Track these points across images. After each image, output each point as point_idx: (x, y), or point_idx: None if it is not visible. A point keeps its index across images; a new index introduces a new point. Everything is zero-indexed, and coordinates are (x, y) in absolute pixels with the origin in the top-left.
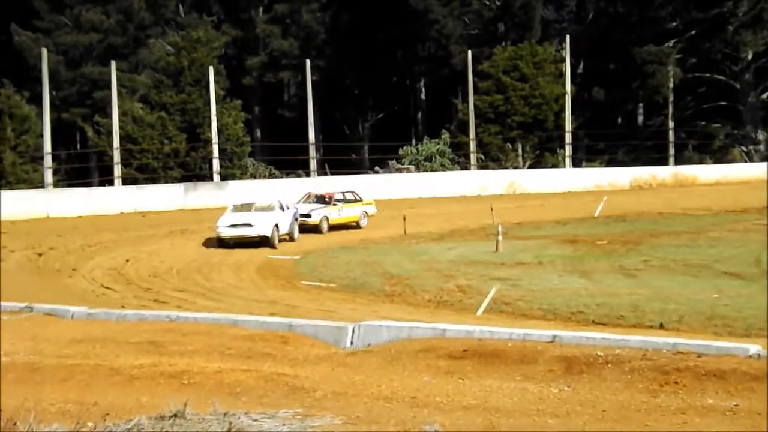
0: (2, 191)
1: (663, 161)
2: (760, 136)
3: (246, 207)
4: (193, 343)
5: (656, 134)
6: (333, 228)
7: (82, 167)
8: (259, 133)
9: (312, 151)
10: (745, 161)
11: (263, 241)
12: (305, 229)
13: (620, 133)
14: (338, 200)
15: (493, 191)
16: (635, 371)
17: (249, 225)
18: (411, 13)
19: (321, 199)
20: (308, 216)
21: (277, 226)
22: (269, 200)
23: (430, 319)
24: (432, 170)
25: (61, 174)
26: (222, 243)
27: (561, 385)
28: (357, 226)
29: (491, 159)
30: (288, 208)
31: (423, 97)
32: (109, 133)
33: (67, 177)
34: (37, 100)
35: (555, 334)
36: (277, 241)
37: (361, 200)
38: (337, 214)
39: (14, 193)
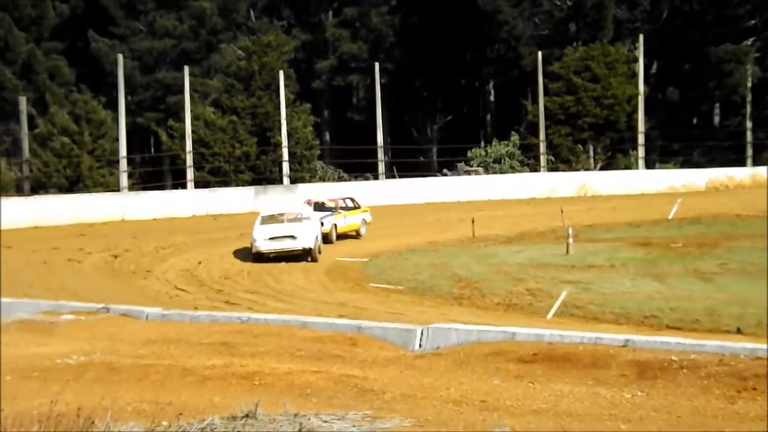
0: (79, 194)
1: (740, 162)
2: None
3: (277, 218)
4: (264, 345)
5: (733, 135)
6: (338, 237)
7: (155, 171)
8: (328, 137)
9: (380, 154)
10: None
11: (305, 255)
12: None
13: (695, 133)
14: (341, 208)
15: (564, 193)
16: (711, 377)
17: (292, 237)
18: (480, 15)
19: (320, 207)
20: (321, 224)
21: (316, 237)
22: (299, 209)
23: (500, 322)
24: (501, 172)
25: (135, 177)
26: (259, 257)
27: (634, 390)
28: (357, 235)
29: (561, 161)
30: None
31: (492, 98)
32: (182, 137)
33: (141, 180)
34: (113, 105)
35: (627, 338)
36: (318, 254)
37: (359, 207)
38: (344, 221)
39: (91, 197)
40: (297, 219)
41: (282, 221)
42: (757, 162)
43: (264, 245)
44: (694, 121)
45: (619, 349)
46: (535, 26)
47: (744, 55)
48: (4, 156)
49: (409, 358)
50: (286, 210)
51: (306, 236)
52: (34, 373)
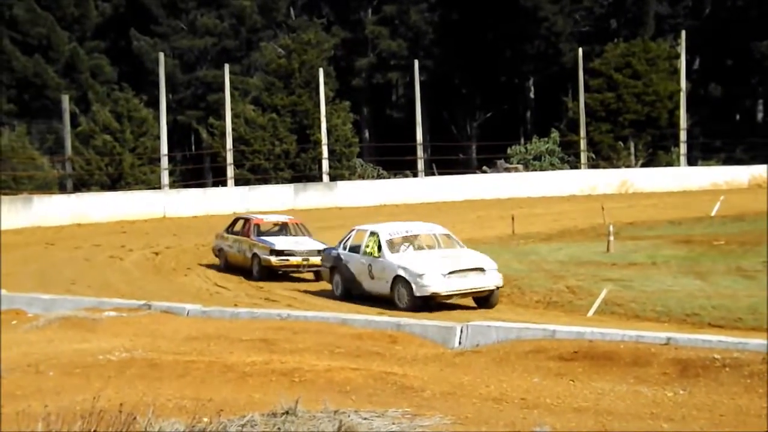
0: (120, 192)
1: None
2: None
3: (407, 239)
4: (303, 341)
5: None
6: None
7: (196, 168)
8: (367, 134)
9: (420, 152)
10: None
11: (487, 297)
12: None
13: (738, 130)
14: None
15: (604, 190)
16: (755, 375)
17: (481, 270)
18: (520, 12)
19: (284, 228)
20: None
21: None
22: (424, 227)
23: (540, 320)
24: (541, 169)
25: (176, 175)
26: (425, 303)
27: (676, 389)
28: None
29: (602, 158)
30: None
31: (532, 95)
32: (223, 135)
33: (182, 178)
34: (154, 104)
35: (669, 336)
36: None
37: None
38: None
39: (132, 194)
40: (452, 242)
41: (422, 247)
42: None
43: (442, 285)
44: (737, 117)
45: (661, 348)
46: (575, 22)
47: None
48: (47, 154)
49: (448, 355)
50: (411, 228)
51: (494, 269)
52: (77, 369)
